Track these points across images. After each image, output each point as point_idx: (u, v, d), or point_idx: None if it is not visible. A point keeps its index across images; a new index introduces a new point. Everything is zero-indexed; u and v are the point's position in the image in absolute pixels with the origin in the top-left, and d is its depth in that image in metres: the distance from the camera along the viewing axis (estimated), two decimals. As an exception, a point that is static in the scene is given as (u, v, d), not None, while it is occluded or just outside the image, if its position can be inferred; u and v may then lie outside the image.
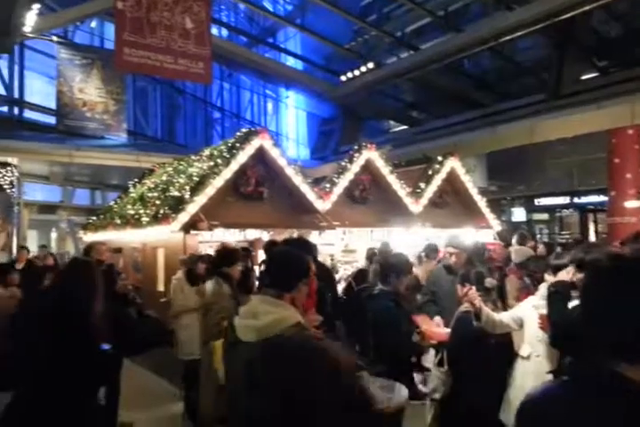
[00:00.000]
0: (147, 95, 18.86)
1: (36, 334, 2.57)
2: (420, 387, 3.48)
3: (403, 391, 2.80)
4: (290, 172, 7.34)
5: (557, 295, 2.65)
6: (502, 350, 3.10)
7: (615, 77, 11.70)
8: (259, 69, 17.39)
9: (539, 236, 18.61)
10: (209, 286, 3.95)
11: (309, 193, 7.46)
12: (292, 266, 2.26)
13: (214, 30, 12.19)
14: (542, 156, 16.39)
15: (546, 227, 20.11)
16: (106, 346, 2.71)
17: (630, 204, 7.69)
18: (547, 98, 12.32)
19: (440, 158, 9.16)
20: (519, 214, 19.89)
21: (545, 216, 19.94)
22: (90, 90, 13.72)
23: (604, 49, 12.78)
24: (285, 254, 2.40)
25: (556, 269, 2.87)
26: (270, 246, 4.50)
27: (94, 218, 10.10)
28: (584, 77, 12.59)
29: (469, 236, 8.64)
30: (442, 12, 14.53)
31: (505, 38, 12.00)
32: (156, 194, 7.83)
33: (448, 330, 3.72)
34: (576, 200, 17.36)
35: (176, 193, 6.98)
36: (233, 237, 8.30)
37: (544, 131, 11.87)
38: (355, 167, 8.10)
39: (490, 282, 3.80)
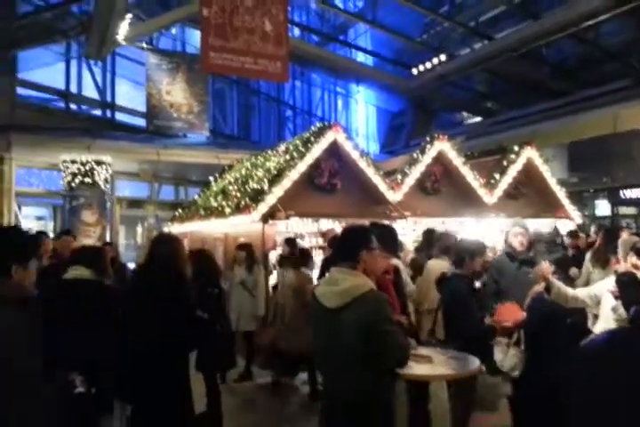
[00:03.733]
0: (224, 96, 19.74)
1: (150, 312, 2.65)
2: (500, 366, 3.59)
3: (474, 362, 2.94)
4: (362, 164, 7.55)
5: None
6: (577, 328, 3.15)
7: None
8: (329, 67, 17.68)
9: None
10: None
11: (381, 184, 7.63)
12: (349, 240, 2.52)
13: (287, 30, 12.61)
14: (628, 145, 15.41)
15: (633, 221, 18.88)
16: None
17: None
18: (632, 84, 11.62)
19: (516, 148, 8.98)
20: (603, 208, 18.79)
21: (632, 210, 18.71)
22: (176, 92, 14.73)
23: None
24: (345, 231, 2.65)
25: None
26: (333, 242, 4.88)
27: (180, 211, 10.84)
28: (675, 60, 11.76)
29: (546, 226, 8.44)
30: (518, -1, 14.08)
31: (587, 23, 11.46)
32: (236, 187, 8.32)
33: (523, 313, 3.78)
34: (670, 192, 16.17)
35: (255, 185, 7.41)
36: (307, 226, 8.68)
37: (629, 119, 11.24)
38: (426, 159, 8.16)
39: (574, 272, 3.83)
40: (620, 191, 17.57)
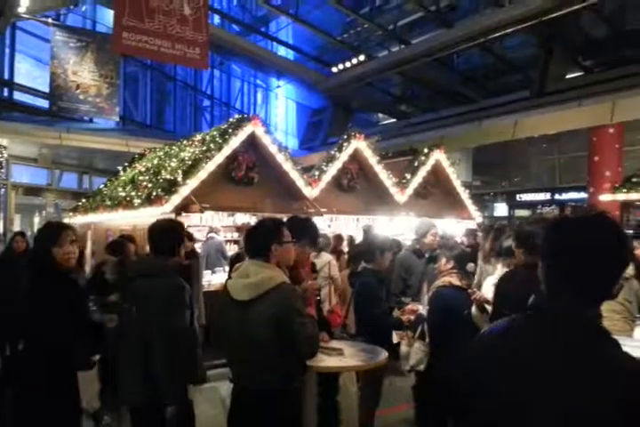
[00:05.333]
0: (137, 81, 18.79)
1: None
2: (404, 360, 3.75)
3: (382, 354, 3.05)
4: (280, 158, 7.53)
5: None
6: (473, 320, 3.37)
7: (598, 77, 12.05)
8: (250, 58, 17.44)
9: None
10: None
11: (299, 180, 7.66)
12: (259, 234, 2.52)
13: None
14: (525, 152, 16.79)
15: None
16: None
17: (604, 197, 8.03)
18: (531, 95, 12.64)
19: (426, 150, 9.41)
20: (501, 209, 20.28)
21: (526, 212, 20.36)
22: (84, 73, 13.71)
23: (590, 49, 13.12)
24: (251, 228, 2.65)
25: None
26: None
27: (84, 201, 10.18)
28: (568, 76, 12.93)
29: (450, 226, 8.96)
30: (434, 6, 14.73)
31: (493, 35, 12.27)
32: (147, 177, 7.96)
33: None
34: (557, 197, 17.78)
35: (168, 176, 7.12)
36: (223, 220, 8.54)
37: (527, 127, 12.19)
38: (343, 156, 8.31)
39: (471, 267, 4.09)
40: (517, 195, 19.09)
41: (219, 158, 6.94)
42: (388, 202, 8.73)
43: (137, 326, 2.63)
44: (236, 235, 9.55)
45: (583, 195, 13.59)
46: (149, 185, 7.39)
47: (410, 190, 8.98)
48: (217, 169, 6.99)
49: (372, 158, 8.63)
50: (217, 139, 7.19)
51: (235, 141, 7.10)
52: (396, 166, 9.32)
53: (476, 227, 9.79)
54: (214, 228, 8.30)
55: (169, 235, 2.85)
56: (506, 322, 1.26)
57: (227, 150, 7.02)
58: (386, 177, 8.70)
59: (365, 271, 3.95)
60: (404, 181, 9.02)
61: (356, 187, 8.66)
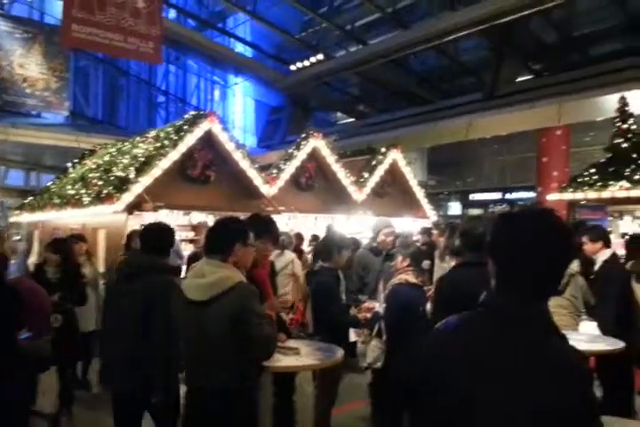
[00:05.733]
0: (88, 75, 18.13)
1: None
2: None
3: (339, 352, 3.05)
4: (238, 156, 7.43)
5: None
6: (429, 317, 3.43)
7: (547, 81, 12.53)
8: (207, 54, 17.14)
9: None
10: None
11: (256, 178, 7.59)
12: (225, 232, 2.47)
13: (162, 11, 11.96)
14: (478, 153, 17.28)
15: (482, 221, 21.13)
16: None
17: (552, 196, 8.35)
18: (483, 97, 13.00)
19: (383, 150, 9.51)
20: (455, 208, 20.80)
21: (479, 211, 20.94)
22: (31, 65, 13.08)
23: (539, 53, 13.62)
24: (217, 224, 2.60)
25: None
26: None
27: (31, 199, 9.74)
28: (519, 79, 13.37)
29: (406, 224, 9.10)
30: (390, 8, 14.92)
31: (448, 38, 12.55)
32: (98, 174, 7.69)
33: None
34: (507, 196, 18.38)
35: (120, 173, 6.91)
36: (178, 219, 8.34)
37: (479, 128, 12.54)
38: (301, 155, 8.29)
39: (426, 264, 4.15)
40: (470, 194, 19.63)
41: (173, 155, 6.78)
42: (345, 201, 8.78)
43: (133, 317, 2.69)
44: (191, 234, 9.35)
45: (532, 194, 14.10)
46: (100, 183, 7.15)
47: (367, 189, 9.06)
48: (172, 166, 6.83)
49: (330, 157, 8.65)
50: (172, 135, 7.03)
51: (190, 138, 6.95)
52: (353, 165, 9.38)
53: (431, 225, 10.01)
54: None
55: (165, 235, 3.05)
56: (458, 319, 1.27)
57: (182, 147, 6.87)
58: (344, 176, 8.74)
59: (323, 270, 3.94)
60: (361, 180, 9.09)
61: (315, 185, 8.66)
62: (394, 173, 9.73)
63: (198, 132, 7.03)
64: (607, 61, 11.40)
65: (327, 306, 3.72)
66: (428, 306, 3.60)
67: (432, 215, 10.33)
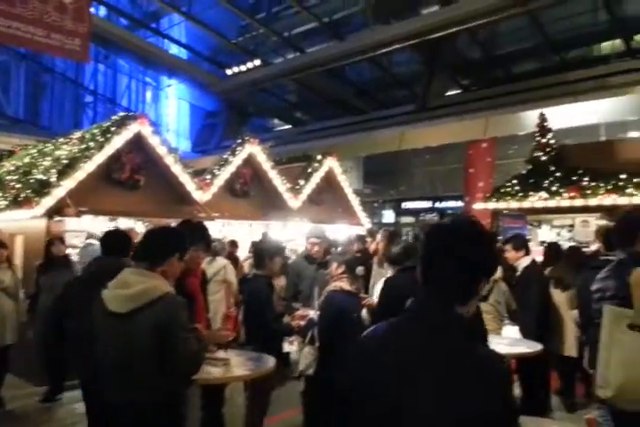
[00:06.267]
0: (9, 71, 16.99)
1: None
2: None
3: (270, 361, 3.00)
4: (169, 161, 7.20)
5: None
6: (364, 322, 3.46)
7: (474, 95, 13.17)
8: (139, 54, 16.57)
9: (404, 237, 20.01)
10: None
11: (189, 183, 7.38)
12: (164, 240, 2.37)
13: (91, 9, 11.41)
14: (410, 163, 17.84)
15: (411, 229, 21.80)
16: None
17: (477, 206, 8.75)
18: (416, 109, 13.45)
19: (319, 157, 9.58)
20: (389, 216, 21.30)
21: (410, 219, 21.58)
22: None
23: (467, 69, 14.31)
24: (159, 230, 2.49)
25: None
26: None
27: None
28: (448, 93, 13.97)
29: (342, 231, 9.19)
30: (327, 18, 15.14)
31: (382, 51, 12.89)
32: (16, 177, 7.18)
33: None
34: (437, 205, 19.07)
35: (41, 176, 6.48)
36: (103, 225, 7.94)
37: (412, 139, 12.95)
38: (237, 160, 8.17)
39: (360, 270, 4.20)
40: (402, 203, 20.20)
41: (99, 158, 6.45)
42: (281, 207, 8.73)
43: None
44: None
45: (460, 203, 14.71)
46: (18, 186, 6.67)
47: (303, 196, 9.06)
48: (97, 170, 6.49)
49: (266, 164, 8.59)
50: (98, 137, 6.69)
51: (118, 141, 6.65)
52: (289, 172, 9.37)
53: (365, 233, 10.18)
54: (93, 234, 7.68)
55: (124, 237, 3.27)
56: (385, 325, 1.28)
57: (108, 150, 6.55)
58: (280, 183, 8.70)
59: (256, 277, 3.88)
60: (297, 187, 9.09)
61: (250, 192, 8.55)
62: (329, 180, 9.80)
63: (127, 134, 6.73)
64: (528, 79, 12.16)
65: (260, 314, 3.66)
66: (364, 312, 3.64)
67: (366, 223, 10.50)
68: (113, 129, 6.71)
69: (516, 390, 4.55)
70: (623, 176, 6.83)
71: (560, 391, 4.85)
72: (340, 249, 4.37)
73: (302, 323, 3.81)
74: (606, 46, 12.07)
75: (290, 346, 4.26)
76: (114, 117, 7.12)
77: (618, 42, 11.36)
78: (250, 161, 8.43)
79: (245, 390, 3.59)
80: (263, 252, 3.90)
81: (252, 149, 8.38)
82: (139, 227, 7.31)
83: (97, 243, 7.62)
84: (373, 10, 13.91)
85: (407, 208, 20.19)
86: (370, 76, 16.69)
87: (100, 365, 2.27)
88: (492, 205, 8.18)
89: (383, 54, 13.70)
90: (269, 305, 3.76)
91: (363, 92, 16.16)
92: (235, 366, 2.90)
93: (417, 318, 1.22)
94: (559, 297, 4.70)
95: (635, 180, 6.69)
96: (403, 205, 20.29)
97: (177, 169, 7.25)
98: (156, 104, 21.44)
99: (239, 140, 8.48)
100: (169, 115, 21.49)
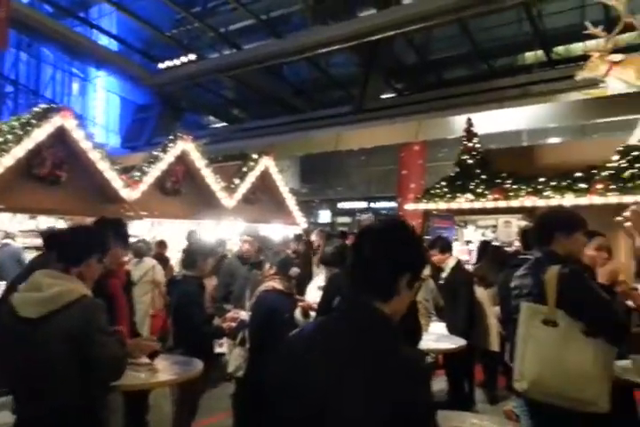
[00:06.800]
0: None
1: None
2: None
3: (198, 365, 2.92)
4: (94, 156, 6.86)
5: None
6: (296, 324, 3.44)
7: (407, 99, 13.54)
8: (65, 44, 15.67)
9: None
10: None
11: (116, 180, 7.07)
12: (81, 240, 2.25)
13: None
14: (347, 164, 18.08)
15: (347, 229, 22.08)
16: None
17: (409, 206, 9.00)
18: (352, 111, 13.65)
19: (255, 156, 9.48)
20: (325, 216, 21.48)
21: (347, 219, 21.88)
22: None
23: (401, 73, 14.69)
24: (75, 229, 2.35)
25: None
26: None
27: None
28: (383, 96, 14.28)
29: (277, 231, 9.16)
30: (265, 16, 15.02)
31: (320, 51, 12.97)
32: None
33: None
34: (372, 205, 19.45)
35: (-51, 170, 5.97)
36: (22, 224, 7.44)
37: (348, 140, 13.13)
38: (168, 157, 7.92)
39: (294, 271, 4.18)
40: (339, 203, 20.43)
41: (17, 152, 6.05)
42: (215, 206, 8.56)
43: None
44: (38, 241, 8.39)
45: (394, 204, 15.08)
46: None
47: (238, 195, 8.94)
48: (15, 164, 6.09)
49: (199, 161, 8.38)
50: (16, 130, 6.26)
51: (39, 134, 6.26)
52: (224, 171, 9.21)
53: (302, 232, 10.19)
54: (10, 233, 7.18)
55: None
56: (313, 324, 1.31)
57: (28, 143, 6.15)
58: (214, 181, 8.53)
59: (186, 278, 3.77)
60: (232, 185, 8.95)
61: (182, 190, 8.32)
62: (265, 179, 9.73)
63: (48, 127, 6.35)
64: (457, 85, 12.66)
65: (190, 317, 3.55)
66: (297, 313, 3.62)
67: (302, 222, 10.51)
68: (33, 122, 6.31)
69: (443, 384, 4.72)
70: (542, 180, 7.25)
71: (484, 384, 5.07)
72: (274, 249, 4.34)
73: (233, 324, 3.74)
74: (529, 56, 12.81)
75: (220, 348, 4.18)
76: (35, 109, 6.69)
77: (540, 52, 12.07)
78: (182, 158, 8.21)
79: (172, 395, 3.48)
80: (196, 252, 3.79)
81: (185, 145, 8.16)
82: (60, 225, 6.91)
83: (14, 243, 7.16)
84: (312, 10, 13.97)
85: (343, 208, 20.45)
86: (308, 76, 16.73)
87: (12, 375, 2.11)
88: (422, 205, 8.43)
89: (321, 55, 13.79)
90: (200, 307, 3.66)
91: (300, 92, 16.18)
92: (160, 370, 2.79)
93: (344, 318, 1.22)
94: (482, 294, 4.91)
95: (552, 183, 7.12)
96: (339, 205, 20.54)
97: (103, 165, 6.92)
98: (84, 97, 20.40)
99: (171, 137, 8.23)
100: (97, 108, 20.50)
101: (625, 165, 6.54)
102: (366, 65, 13.74)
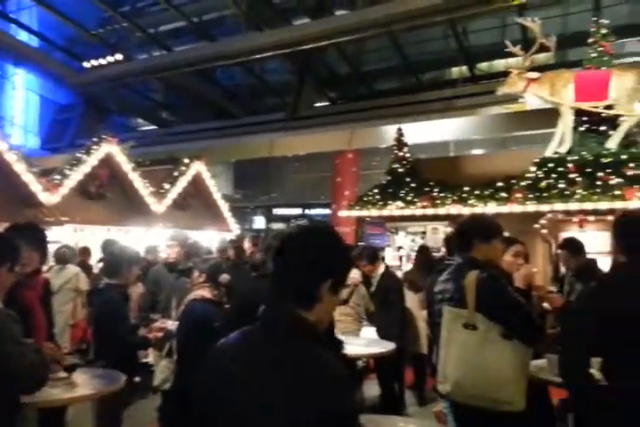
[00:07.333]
0: None
1: None
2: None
3: (120, 378, 2.78)
4: (10, 158, 6.42)
5: None
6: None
7: (341, 108, 13.78)
8: (-22, 37, 14.58)
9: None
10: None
11: (33, 183, 6.65)
12: None
13: None
14: (281, 170, 18.08)
15: (265, 237, 21.92)
16: None
17: (343, 213, 9.14)
18: (286, 117, 13.68)
19: (186, 161, 9.27)
20: (260, 222, 21.32)
21: (281, 226, 21.80)
22: None
23: (335, 82, 14.92)
24: None
25: None
26: None
27: None
28: (317, 104, 14.45)
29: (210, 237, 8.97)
30: (197, 18, 14.77)
31: (253, 57, 12.92)
32: None
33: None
34: (307, 212, 19.54)
35: None
36: None
37: (282, 147, 13.14)
38: (92, 160, 7.57)
39: (224, 278, 4.10)
40: (273, 209, 20.36)
41: None
42: (143, 212, 8.27)
43: None
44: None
45: (328, 211, 15.22)
46: None
47: (168, 201, 8.72)
48: None
49: (126, 165, 8.08)
50: None
51: (-57, 133, 5.77)
52: (154, 175, 8.94)
53: (235, 239, 10.04)
54: None
55: None
56: (238, 334, 1.26)
57: None
58: (142, 186, 8.25)
59: (108, 287, 3.59)
60: (162, 190, 8.71)
61: (107, 195, 7.98)
62: (197, 185, 9.54)
63: (-44, 126, 5.88)
64: (388, 96, 13.05)
65: (113, 327, 3.39)
66: None
67: (235, 229, 10.37)
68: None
69: (374, 389, 4.79)
70: (467, 188, 7.61)
71: (414, 387, 5.21)
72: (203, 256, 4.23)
73: (159, 335, 3.61)
74: (455, 71, 13.44)
75: (147, 358, 4.02)
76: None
77: (464, 68, 12.70)
78: (107, 161, 7.88)
79: (93, 410, 3.29)
80: (119, 259, 3.62)
81: (111, 148, 7.85)
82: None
83: None
84: (246, 15, 13.89)
85: (278, 214, 20.39)
86: (242, 82, 16.60)
87: None
88: (355, 212, 8.59)
89: (256, 61, 13.74)
90: (123, 317, 3.51)
91: (234, 97, 16.01)
92: (79, 385, 2.63)
93: (267, 327, 1.21)
94: (412, 298, 5.06)
95: (476, 192, 7.49)
96: (274, 212, 20.46)
97: (19, 167, 6.50)
98: (0, 95, 19.03)
99: (96, 139, 7.89)
100: (15, 107, 19.19)
101: (541, 175, 6.99)
102: (300, 73, 13.84)
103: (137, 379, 3.81)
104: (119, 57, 14.63)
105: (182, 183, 9.02)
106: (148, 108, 17.75)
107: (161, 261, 4.80)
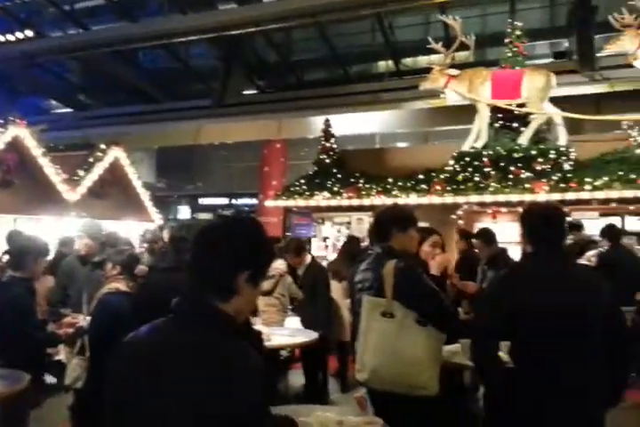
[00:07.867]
0: None
1: None
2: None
3: (22, 378, 2.61)
4: None
5: None
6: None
7: (269, 97, 13.61)
8: None
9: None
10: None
11: None
12: None
13: None
14: (208, 158, 17.67)
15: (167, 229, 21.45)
16: None
17: (270, 203, 9.11)
18: (212, 104, 13.31)
19: (103, 146, 8.80)
20: (184, 212, 20.77)
21: (208, 216, 21.40)
22: None
23: (263, 71, 14.69)
24: None
25: None
26: None
27: None
28: (245, 92, 14.17)
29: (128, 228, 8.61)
30: (117, -3, 13.92)
31: (177, 40, 12.41)
32: None
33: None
34: (234, 202, 19.28)
35: None
36: None
37: (208, 134, 12.82)
38: (-3, 144, 6.99)
39: (141, 270, 3.95)
40: (199, 199, 19.87)
41: None
42: (55, 200, 7.78)
43: None
44: None
45: (255, 201, 15.10)
46: None
47: (83, 189, 8.27)
48: None
49: (36, 149, 7.55)
50: None
51: None
52: (67, 161, 8.44)
53: (157, 229, 9.69)
54: None
55: None
56: (148, 326, 1.23)
57: None
58: (53, 172, 7.75)
59: (13, 280, 3.35)
60: (76, 178, 8.24)
61: (15, 181, 7.42)
62: (115, 172, 9.09)
63: None
64: (316, 87, 13.07)
65: (18, 324, 3.17)
66: None
67: (158, 219, 10.02)
68: None
69: (299, 378, 4.84)
70: (390, 180, 7.82)
71: (338, 374, 5.31)
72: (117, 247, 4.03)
73: (70, 331, 3.42)
74: (381, 65, 13.69)
75: (59, 356, 3.80)
76: None
77: (390, 62, 12.96)
78: (15, 145, 7.32)
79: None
80: (25, 251, 3.38)
81: (19, 131, 7.29)
82: None
83: None
84: (170, -3, 13.30)
85: (204, 204, 19.94)
86: (166, 66, 15.90)
87: None
88: (282, 202, 8.58)
89: (181, 44, 13.20)
90: (29, 313, 3.29)
91: (158, 81, 15.32)
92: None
93: (181, 318, 1.18)
94: (336, 287, 5.14)
95: (399, 183, 7.73)
96: (200, 201, 19.98)
97: None
98: None
99: (2, 121, 7.29)
100: None
101: (459, 169, 7.33)
102: (227, 59, 13.47)
103: (50, 378, 3.61)
104: (29, 33, 13.53)
105: (98, 170, 8.58)
106: (64, 90, 16.60)
107: (74, 253, 4.53)
